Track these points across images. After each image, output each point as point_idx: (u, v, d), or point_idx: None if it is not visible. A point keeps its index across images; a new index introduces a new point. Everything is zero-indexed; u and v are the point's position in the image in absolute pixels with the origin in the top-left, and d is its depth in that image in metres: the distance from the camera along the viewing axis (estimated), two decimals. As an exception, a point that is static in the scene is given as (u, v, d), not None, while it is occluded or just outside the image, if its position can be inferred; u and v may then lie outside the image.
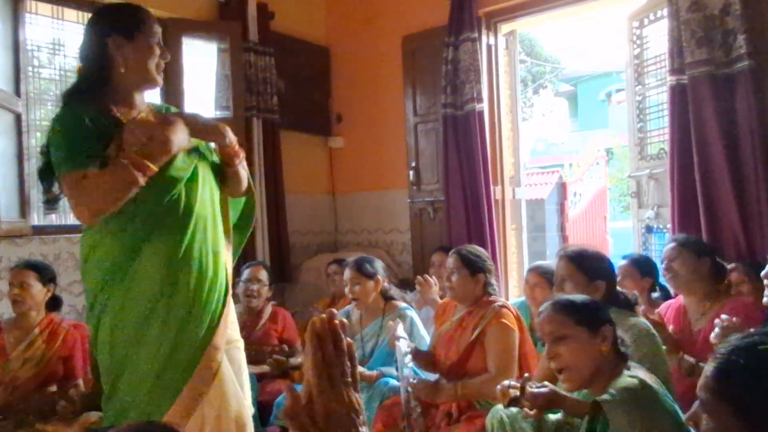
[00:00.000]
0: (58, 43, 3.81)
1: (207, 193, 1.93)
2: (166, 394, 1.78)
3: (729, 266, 2.83)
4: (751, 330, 1.17)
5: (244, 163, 2.02)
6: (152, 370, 1.78)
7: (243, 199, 2.14)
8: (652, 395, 1.71)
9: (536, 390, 1.93)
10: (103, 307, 1.82)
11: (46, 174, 1.82)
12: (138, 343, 1.79)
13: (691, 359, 2.25)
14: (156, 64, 1.85)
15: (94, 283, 1.83)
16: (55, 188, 1.82)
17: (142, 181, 1.66)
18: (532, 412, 1.91)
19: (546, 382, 2.00)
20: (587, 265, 2.31)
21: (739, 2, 3.07)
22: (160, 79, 1.89)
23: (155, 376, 1.78)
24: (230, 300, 1.98)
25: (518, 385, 1.97)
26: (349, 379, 0.92)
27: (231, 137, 1.91)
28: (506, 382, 2.06)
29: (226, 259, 2.02)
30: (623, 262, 3.10)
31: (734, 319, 2.07)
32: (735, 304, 2.53)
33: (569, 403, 1.94)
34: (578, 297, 1.98)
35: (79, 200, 1.68)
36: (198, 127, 1.87)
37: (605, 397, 1.71)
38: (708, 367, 1.10)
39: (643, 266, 3.13)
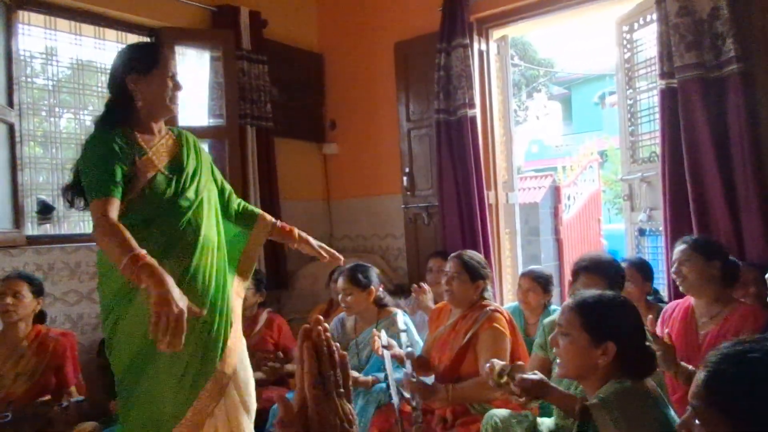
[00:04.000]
0: (51, 52, 3.82)
1: (213, 218, 2.16)
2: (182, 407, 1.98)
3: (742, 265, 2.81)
4: (743, 337, 1.18)
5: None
6: (168, 385, 1.98)
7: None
8: (639, 399, 1.71)
9: (526, 376, 1.95)
10: (114, 323, 2.00)
11: (72, 189, 2.04)
12: (151, 359, 1.97)
13: (689, 367, 2.23)
14: (170, 97, 2.08)
15: (107, 299, 2.03)
16: (77, 204, 2.02)
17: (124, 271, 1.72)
18: (521, 399, 1.94)
19: (536, 371, 2.02)
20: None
21: (727, 6, 3.09)
22: (174, 109, 2.12)
23: (171, 389, 1.99)
24: (236, 320, 2.19)
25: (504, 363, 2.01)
26: (342, 390, 0.92)
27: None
28: (495, 360, 2.10)
29: (236, 282, 2.28)
30: (623, 265, 3.04)
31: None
32: (744, 310, 2.49)
33: (557, 394, 1.95)
34: (602, 300, 1.85)
35: (94, 229, 1.85)
36: None
37: (593, 401, 1.72)
38: (699, 375, 1.11)
39: (645, 270, 3.14)
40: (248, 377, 2.21)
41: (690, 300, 2.67)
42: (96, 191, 1.86)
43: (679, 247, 2.67)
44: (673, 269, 2.67)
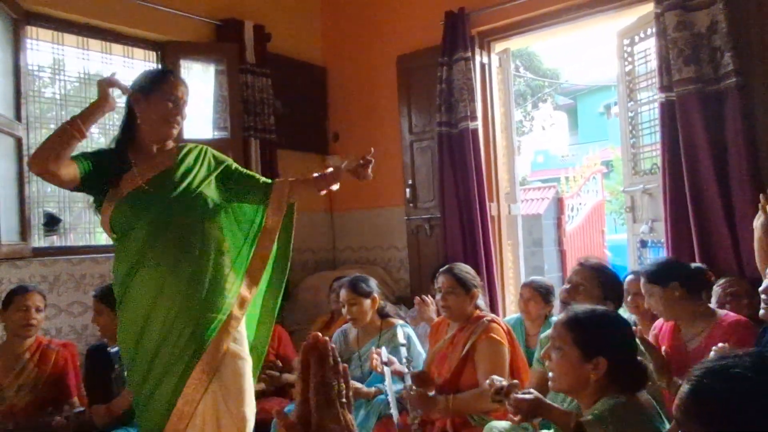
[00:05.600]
0: (59, 66, 3.88)
1: (209, 225, 2.27)
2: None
3: (717, 281, 2.82)
4: (727, 352, 1.20)
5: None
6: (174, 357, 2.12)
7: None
8: (634, 414, 1.72)
9: (520, 396, 1.97)
10: (121, 301, 2.18)
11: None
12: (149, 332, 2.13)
13: (679, 381, 2.24)
14: (166, 119, 2.19)
15: (117, 281, 2.20)
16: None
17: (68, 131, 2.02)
18: (516, 418, 1.96)
19: (531, 390, 2.03)
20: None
21: (725, 21, 3.12)
22: (172, 132, 2.23)
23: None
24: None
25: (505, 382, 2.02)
26: (345, 400, 0.95)
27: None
28: (495, 377, 2.12)
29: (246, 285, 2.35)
30: (631, 278, 3.05)
31: (726, 345, 2.08)
32: (729, 323, 2.43)
33: (554, 412, 1.96)
34: (593, 315, 1.87)
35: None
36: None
37: (588, 417, 1.73)
38: (683, 388, 1.13)
39: None
40: (243, 383, 2.24)
41: None
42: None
43: (641, 282, 2.62)
44: (645, 304, 2.65)
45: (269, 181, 2.44)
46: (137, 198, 2.14)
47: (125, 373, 2.47)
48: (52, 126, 3.84)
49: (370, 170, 2.42)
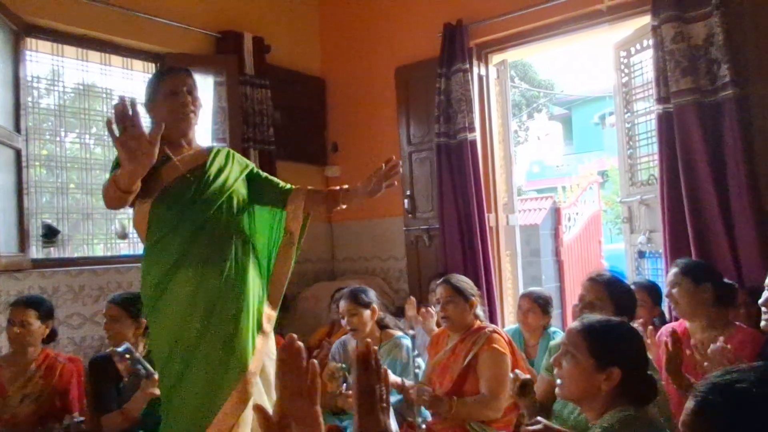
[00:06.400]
0: (57, 78, 3.88)
1: (240, 218, 2.32)
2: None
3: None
4: (733, 366, 1.20)
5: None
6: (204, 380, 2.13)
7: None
8: (643, 428, 1.71)
9: (530, 428, 1.96)
10: (151, 312, 2.22)
11: None
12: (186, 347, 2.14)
13: (691, 378, 2.22)
14: (176, 112, 2.25)
15: (146, 293, 2.23)
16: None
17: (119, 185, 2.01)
18: None
19: (539, 418, 2.03)
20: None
21: (722, 33, 3.15)
22: (190, 122, 2.30)
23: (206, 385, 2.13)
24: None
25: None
26: (385, 405, 0.95)
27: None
28: (518, 371, 2.14)
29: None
30: (633, 288, 3.07)
31: (728, 346, 2.08)
32: (743, 336, 2.43)
33: None
34: (609, 325, 1.86)
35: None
36: None
37: (597, 429, 1.73)
38: (688, 404, 1.13)
39: (655, 294, 3.14)
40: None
41: (684, 323, 2.65)
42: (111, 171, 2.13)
43: (671, 271, 2.67)
44: (665, 293, 2.69)
45: (290, 187, 2.47)
46: (181, 189, 2.19)
47: (145, 375, 2.57)
48: (47, 137, 3.86)
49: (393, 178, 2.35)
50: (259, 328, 2.28)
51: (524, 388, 2.13)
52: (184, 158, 2.25)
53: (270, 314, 2.37)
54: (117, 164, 2.06)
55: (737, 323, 2.57)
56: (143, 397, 2.62)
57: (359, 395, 0.93)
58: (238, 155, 2.45)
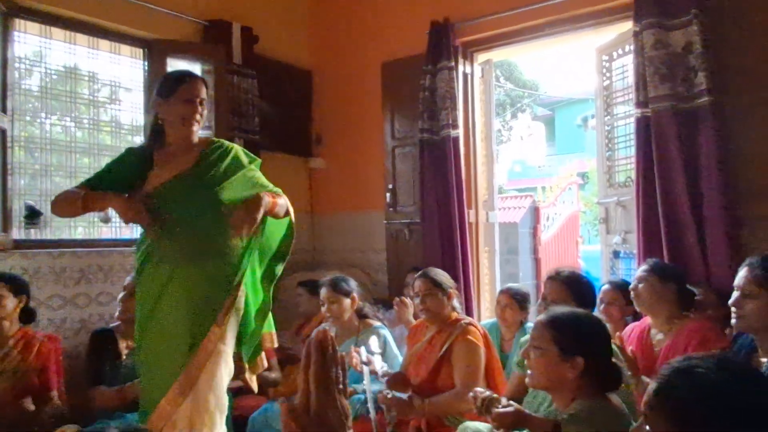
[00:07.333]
0: (41, 59, 3.86)
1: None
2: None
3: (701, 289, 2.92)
4: (694, 354, 1.29)
5: (279, 200, 2.42)
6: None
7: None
8: (607, 414, 1.80)
9: (502, 410, 2.04)
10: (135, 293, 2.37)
11: None
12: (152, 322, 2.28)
13: (647, 379, 2.35)
14: (184, 118, 2.33)
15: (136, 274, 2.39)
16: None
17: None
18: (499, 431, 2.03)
19: (512, 402, 2.11)
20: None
21: (700, 42, 3.24)
22: (192, 130, 2.37)
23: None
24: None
25: (487, 393, 2.09)
26: (341, 386, 1.03)
27: (265, 202, 2.29)
28: (478, 389, 2.19)
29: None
30: (606, 287, 3.17)
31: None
32: (693, 326, 2.60)
33: (535, 422, 2.04)
34: (573, 316, 1.97)
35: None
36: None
37: (564, 416, 1.82)
38: (651, 386, 1.22)
39: (627, 294, 3.20)
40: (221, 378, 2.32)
41: (648, 320, 2.80)
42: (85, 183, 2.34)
43: (641, 267, 2.82)
44: (631, 287, 2.82)
45: (261, 192, 2.39)
46: (157, 196, 2.28)
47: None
48: (28, 119, 3.85)
49: None
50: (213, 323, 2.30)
51: (483, 405, 2.14)
52: (171, 165, 2.34)
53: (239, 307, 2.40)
54: (90, 180, 2.33)
55: (691, 315, 2.71)
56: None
57: (315, 377, 1.00)
58: (238, 153, 2.44)
